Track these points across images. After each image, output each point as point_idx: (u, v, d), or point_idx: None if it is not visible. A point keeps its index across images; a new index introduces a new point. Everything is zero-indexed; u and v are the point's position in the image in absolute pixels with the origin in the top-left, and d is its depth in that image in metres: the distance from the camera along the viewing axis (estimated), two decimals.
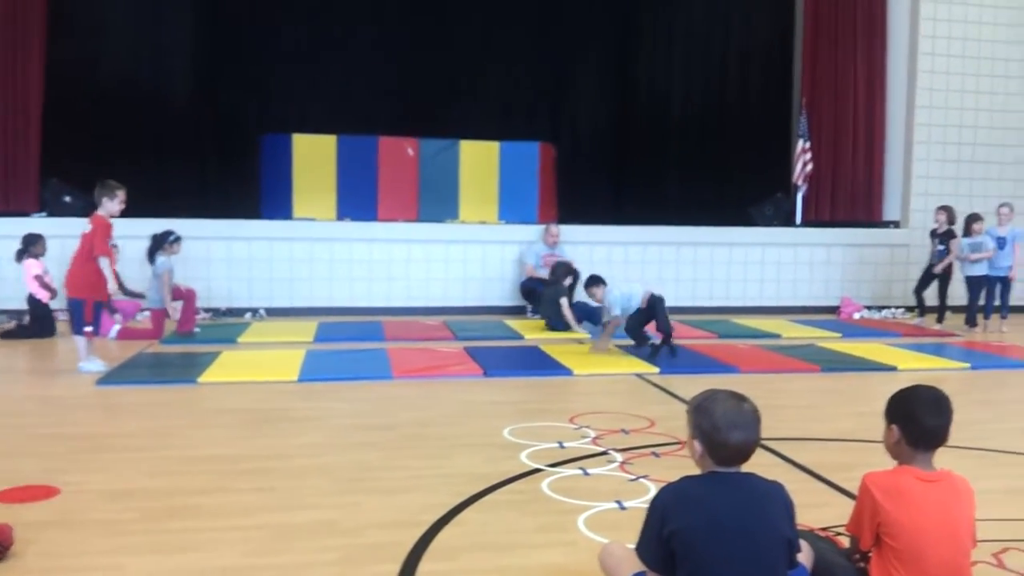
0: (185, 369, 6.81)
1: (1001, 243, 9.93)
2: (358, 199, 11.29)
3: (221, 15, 12.07)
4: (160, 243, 8.71)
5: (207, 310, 9.88)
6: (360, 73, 12.56)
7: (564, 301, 9.27)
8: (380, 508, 3.74)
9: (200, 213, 10.34)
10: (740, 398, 2.41)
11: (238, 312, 10.11)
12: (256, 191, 11.45)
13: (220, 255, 10.23)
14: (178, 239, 8.81)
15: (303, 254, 10.44)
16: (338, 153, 11.38)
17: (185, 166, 11.72)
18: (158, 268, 8.61)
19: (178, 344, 8.18)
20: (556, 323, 9.26)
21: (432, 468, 4.34)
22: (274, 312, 10.19)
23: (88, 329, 6.82)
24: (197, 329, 8.76)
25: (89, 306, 6.82)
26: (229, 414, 5.51)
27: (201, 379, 6.43)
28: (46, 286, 8.81)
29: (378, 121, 12.18)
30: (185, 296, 8.79)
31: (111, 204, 6.83)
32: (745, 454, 2.38)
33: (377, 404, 5.87)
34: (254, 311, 10.16)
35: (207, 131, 12.07)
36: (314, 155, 11.28)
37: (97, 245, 6.71)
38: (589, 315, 9.03)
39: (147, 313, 8.87)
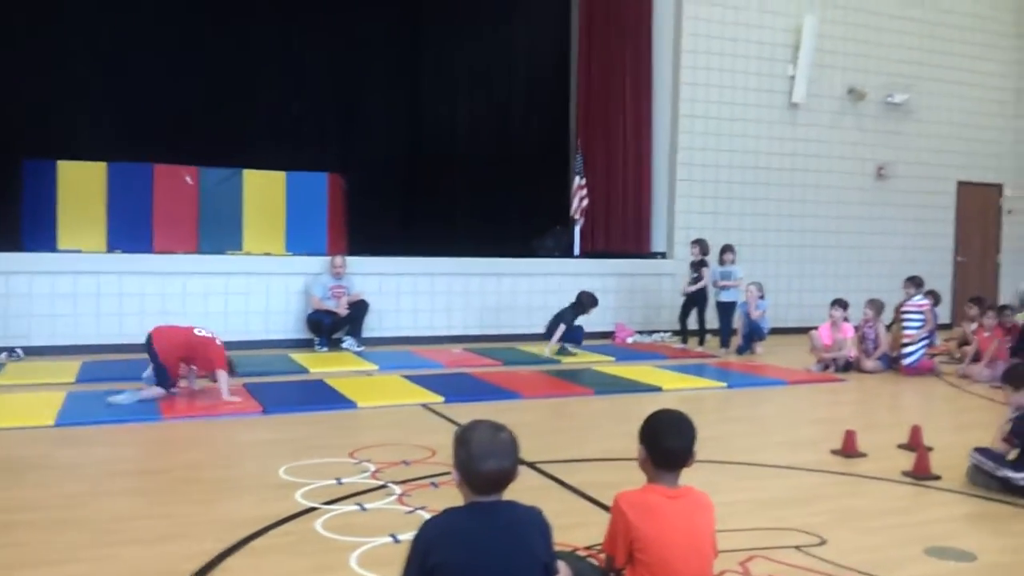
0: None
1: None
2: (131, 229, 10.66)
3: None
4: None
5: None
6: (135, 97, 11.89)
7: (562, 327, 10.02)
8: (138, 559, 3.55)
9: None
10: (497, 427, 2.49)
11: None
12: (16, 220, 10.51)
13: None
14: None
15: (67, 288, 9.70)
16: (109, 181, 10.71)
17: None
18: None
19: None
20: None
21: (199, 514, 4.16)
22: (33, 351, 9.37)
23: None
24: None
25: None
26: None
27: None
28: None
29: (154, 148, 11.57)
30: None
31: None
32: (501, 482, 2.46)
33: (143, 448, 5.56)
34: (10, 351, 9.29)
35: None
36: (82, 183, 10.56)
37: None
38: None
39: None
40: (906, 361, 9.34)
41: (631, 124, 12.70)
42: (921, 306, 9.55)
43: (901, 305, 9.96)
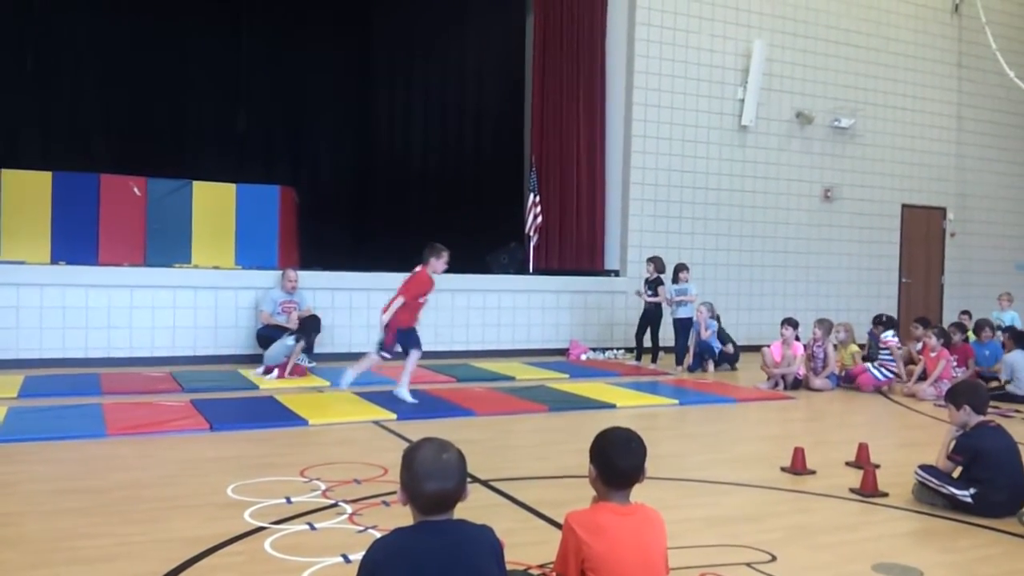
0: None
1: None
2: (76, 241, 10.44)
3: None
4: None
5: None
6: (82, 106, 11.72)
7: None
8: None
9: None
10: (443, 447, 2.46)
11: None
12: None
13: None
14: None
15: (9, 300, 9.44)
16: (54, 191, 10.48)
17: None
18: None
19: None
20: None
21: (143, 533, 4.05)
22: None
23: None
24: None
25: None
26: None
27: None
28: None
29: (101, 158, 11.40)
30: None
31: (437, 263, 7.62)
32: (444, 503, 2.42)
33: (86, 465, 5.39)
34: None
35: None
36: (26, 192, 10.32)
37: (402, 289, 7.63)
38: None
39: None
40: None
41: (584, 143, 12.81)
42: (887, 343, 9.79)
43: (881, 343, 10.07)
